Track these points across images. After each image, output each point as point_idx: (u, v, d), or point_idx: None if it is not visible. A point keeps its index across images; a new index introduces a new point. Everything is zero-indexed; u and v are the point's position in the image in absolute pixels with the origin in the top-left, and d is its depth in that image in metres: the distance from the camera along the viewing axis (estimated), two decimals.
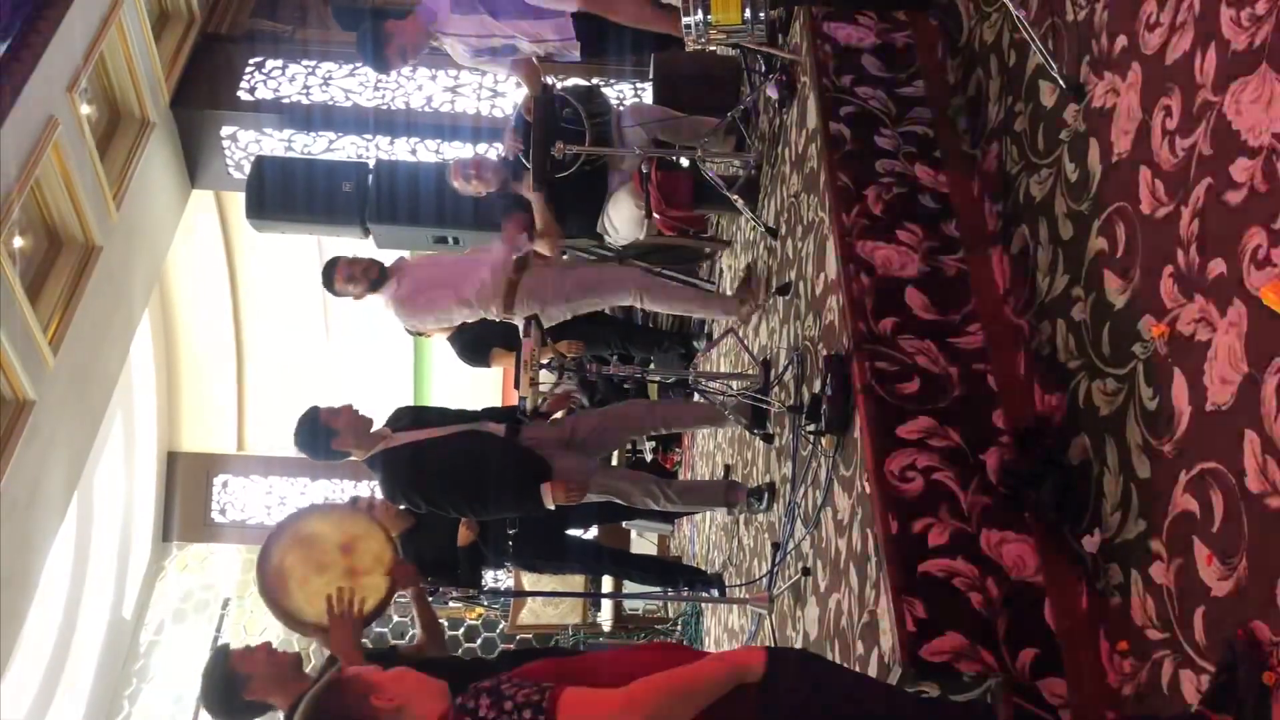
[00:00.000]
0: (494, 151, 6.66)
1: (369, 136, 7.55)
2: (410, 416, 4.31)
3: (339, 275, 4.73)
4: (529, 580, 6.86)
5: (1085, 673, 2.42)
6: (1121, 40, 2.53)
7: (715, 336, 5.70)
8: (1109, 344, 2.49)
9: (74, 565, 8.53)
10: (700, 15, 2.88)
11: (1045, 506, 2.59)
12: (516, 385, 4.42)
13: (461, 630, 10.28)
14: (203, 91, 7.36)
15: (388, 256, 5.18)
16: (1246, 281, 2.01)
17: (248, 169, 7.10)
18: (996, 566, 2.63)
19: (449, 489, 4.06)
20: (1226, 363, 2.05)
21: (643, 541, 7.37)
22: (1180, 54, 2.28)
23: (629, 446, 7.22)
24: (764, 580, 4.03)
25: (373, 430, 4.10)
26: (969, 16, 3.45)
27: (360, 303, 4.89)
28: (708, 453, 6.16)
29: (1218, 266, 2.10)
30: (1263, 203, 1.98)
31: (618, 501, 4.42)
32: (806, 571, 3.53)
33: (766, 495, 4.10)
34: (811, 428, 3.42)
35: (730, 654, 1.81)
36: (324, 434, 3.99)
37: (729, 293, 5.20)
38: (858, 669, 2.85)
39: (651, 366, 6.00)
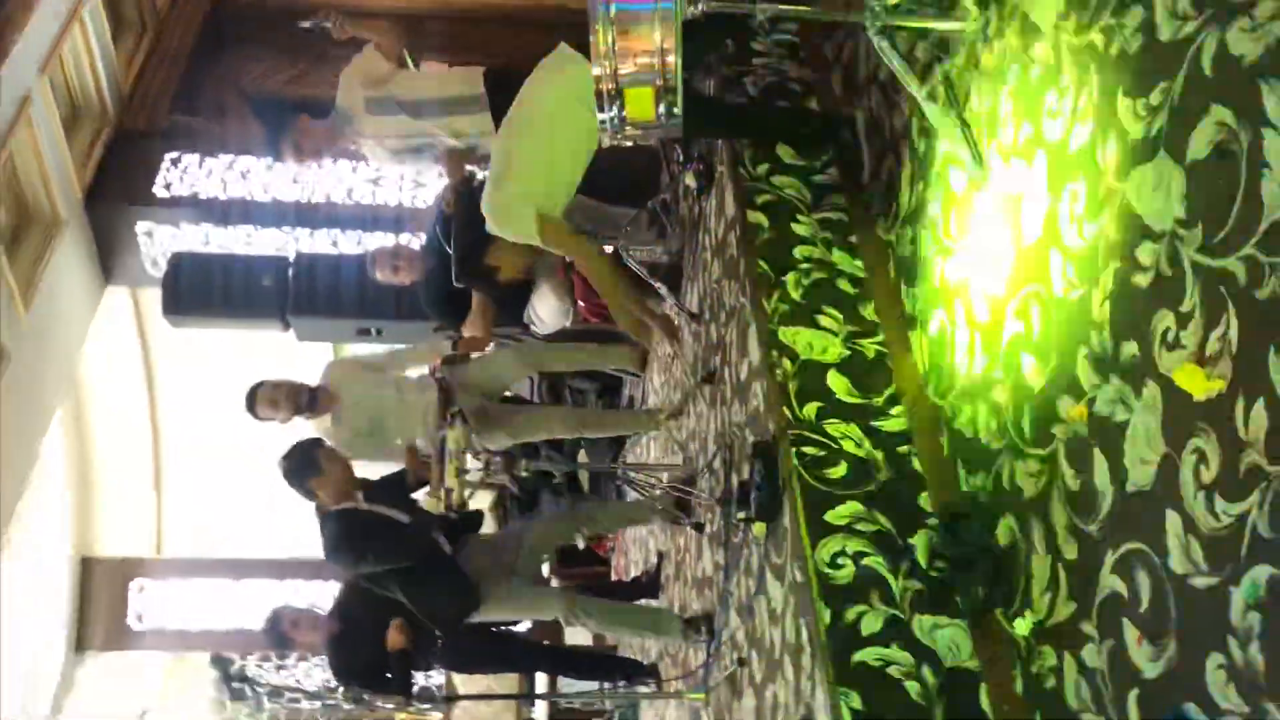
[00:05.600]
0: (416, 241, 6.63)
1: (289, 229, 7.47)
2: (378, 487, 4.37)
3: (261, 401, 4.63)
4: (460, 680, 6.66)
5: None
6: (1027, 129, 2.60)
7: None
8: (1030, 425, 2.51)
9: None
10: (615, 111, 2.91)
11: (976, 589, 2.58)
12: (440, 479, 4.34)
13: None
14: (117, 188, 7.22)
15: (309, 369, 5.02)
16: (1159, 363, 2.04)
17: (164, 265, 6.97)
18: (931, 653, 2.61)
19: (390, 576, 4.17)
20: (1145, 443, 2.07)
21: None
22: (1083, 142, 2.35)
23: None
24: (700, 672, 3.96)
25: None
26: (870, 157, 3.55)
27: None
28: (640, 539, 6.09)
29: (1130, 348, 2.13)
30: (1169, 286, 2.02)
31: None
32: (742, 662, 3.48)
33: (704, 627, 4.03)
34: (742, 515, 3.39)
35: None
36: (310, 474, 4.17)
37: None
38: None
39: (581, 455, 5.94)
